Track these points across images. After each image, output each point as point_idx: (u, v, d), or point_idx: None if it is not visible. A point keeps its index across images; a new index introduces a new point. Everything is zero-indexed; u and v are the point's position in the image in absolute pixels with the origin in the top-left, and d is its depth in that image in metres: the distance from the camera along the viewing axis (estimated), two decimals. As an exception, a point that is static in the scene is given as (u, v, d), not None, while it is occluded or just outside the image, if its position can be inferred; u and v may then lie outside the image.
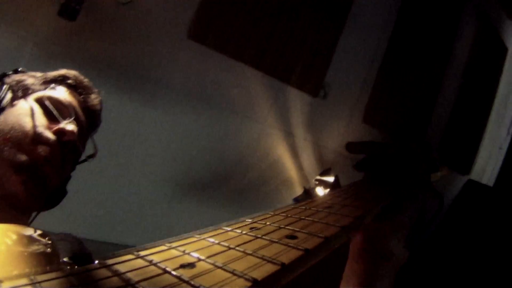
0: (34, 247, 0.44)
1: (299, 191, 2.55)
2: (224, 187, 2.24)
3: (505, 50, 3.63)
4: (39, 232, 0.48)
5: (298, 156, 2.56)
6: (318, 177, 2.36)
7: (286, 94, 2.43)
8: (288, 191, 2.51)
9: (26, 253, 0.42)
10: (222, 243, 0.26)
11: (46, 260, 0.44)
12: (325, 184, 2.23)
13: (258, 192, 2.38)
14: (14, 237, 0.44)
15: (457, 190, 2.80)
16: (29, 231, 0.47)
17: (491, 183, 3.38)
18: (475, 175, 3.06)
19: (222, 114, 2.16)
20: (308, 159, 2.60)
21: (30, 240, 0.45)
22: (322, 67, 2.58)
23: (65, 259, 0.52)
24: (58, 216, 0.74)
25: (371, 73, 2.87)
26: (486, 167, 3.49)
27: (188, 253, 0.24)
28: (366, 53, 2.83)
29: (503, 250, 1.95)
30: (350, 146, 0.56)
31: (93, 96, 0.73)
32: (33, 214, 0.67)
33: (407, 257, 0.47)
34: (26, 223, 0.63)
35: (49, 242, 0.46)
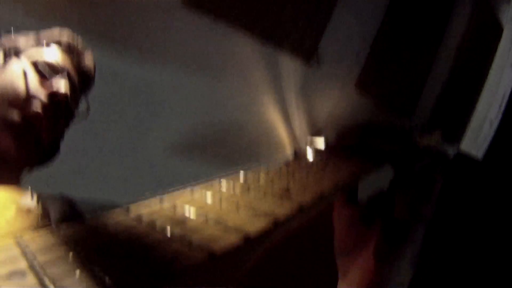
0: (31, 215, 0.44)
1: (290, 154, 2.56)
2: (216, 150, 2.24)
3: (500, 30, 3.60)
4: (34, 197, 0.48)
5: (289, 120, 2.55)
6: (309, 140, 2.37)
7: (280, 60, 2.40)
8: (279, 155, 2.53)
9: (23, 224, 0.43)
10: (214, 196, 0.25)
11: (37, 222, 0.44)
12: (316, 147, 2.24)
13: (250, 154, 2.39)
14: (14, 210, 0.44)
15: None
16: (27, 200, 0.47)
17: (479, 156, 3.42)
18: (464, 148, 3.09)
19: (215, 78, 2.12)
20: (299, 123, 2.60)
21: (28, 211, 0.45)
22: (317, 35, 2.54)
23: (56, 219, 0.53)
24: (52, 176, 0.73)
25: (366, 42, 2.84)
26: (476, 141, 3.53)
27: (179, 208, 0.23)
28: (361, 23, 2.78)
29: (488, 224, 2.00)
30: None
31: (86, 55, 0.73)
32: (26, 171, 0.68)
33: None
34: (18, 180, 0.64)
35: (41, 205, 0.47)
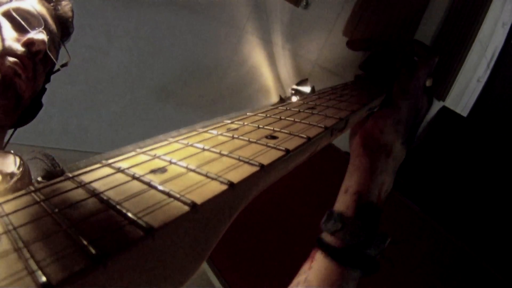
0: (15, 178, 0.44)
1: (275, 99, 2.54)
2: (200, 93, 2.21)
3: None
4: (17, 162, 0.46)
5: (275, 64, 2.51)
6: (295, 87, 2.35)
7: (267, 1, 2.30)
8: (264, 99, 2.51)
9: (8, 188, 0.42)
10: (196, 144, 0.24)
11: (20, 185, 0.44)
12: (301, 94, 2.22)
13: (234, 98, 2.37)
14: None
15: (431, 115, 2.85)
16: (10, 165, 0.46)
17: (464, 114, 3.42)
18: (450, 103, 3.07)
19: (200, 19, 2.04)
20: (285, 68, 2.55)
21: (12, 176, 0.44)
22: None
23: (38, 179, 0.52)
24: (32, 127, 0.71)
25: None
26: (462, 97, 3.52)
27: (159, 157, 0.22)
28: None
29: (471, 179, 2.05)
30: (354, 43, 0.58)
31: (63, 3, 0.69)
32: (10, 131, 0.66)
33: (405, 153, 0.48)
34: (2, 141, 0.62)
35: (22, 166, 0.46)
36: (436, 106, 2.88)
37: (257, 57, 2.40)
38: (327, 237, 0.43)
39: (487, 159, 2.10)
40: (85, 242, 0.14)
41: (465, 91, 3.53)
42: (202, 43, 2.11)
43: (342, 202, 0.45)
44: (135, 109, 1.95)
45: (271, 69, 2.49)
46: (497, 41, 3.61)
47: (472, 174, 2.06)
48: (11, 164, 0.46)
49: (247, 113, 0.32)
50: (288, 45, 2.52)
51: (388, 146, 0.45)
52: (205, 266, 1.37)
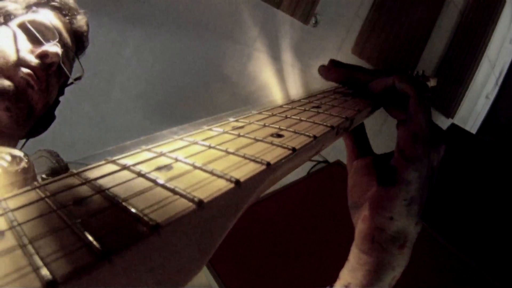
0: (23, 164, 0.44)
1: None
2: (208, 110, 2.21)
3: (502, 4, 3.43)
4: (22, 154, 0.48)
5: (284, 82, 2.50)
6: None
7: (276, 19, 2.31)
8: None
9: (18, 171, 0.43)
10: (202, 142, 0.24)
11: (25, 179, 0.44)
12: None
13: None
14: (9, 158, 0.43)
15: None
16: (18, 152, 0.46)
17: (473, 131, 3.40)
18: (458, 120, 3.06)
19: (210, 36, 2.05)
20: (294, 86, 2.55)
21: (20, 160, 0.45)
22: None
23: (43, 175, 0.52)
24: (44, 139, 0.72)
25: (364, 6, 2.73)
26: (470, 114, 3.50)
27: (165, 154, 0.22)
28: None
29: (480, 195, 2.03)
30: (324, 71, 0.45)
31: (79, 17, 0.70)
32: (22, 141, 0.67)
33: (420, 229, 0.37)
34: None
35: (28, 160, 0.46)
36: (445, 123, 2.86)
37: (266, 74, 2.40)
38: None
39: (496, 176, 2.09)
40: (90, 238, 0.14)
41: (474, 108, 3.51)
42: (212, 60, 2.11)
43: None
44: (141, 124, 1.95)
45: (280, 86, 2.49)
46: (505, 58, 3.60)
47: (481, 190, 2.05)
48: (17, 151, 0.46)
49: (253, 112, 0.32)
50: (297, 63, 2.53)
51: (401, 235, 0.35)
52: (204, 270, 1.37)
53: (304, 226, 1.32)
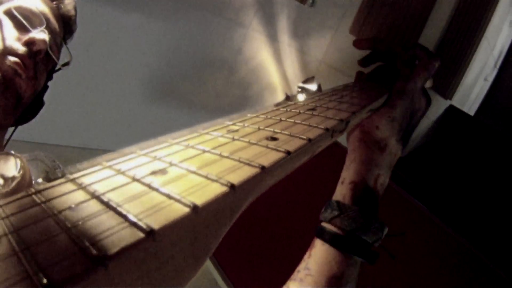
0: (16, 181, 0.44)
1: (281, 97, 2.54)
2: (205, 91, 2.21)
3: None
4: (18, 164, 0.46)
5: (281, 62, 2.50)
6: (301, 84, 2.34)
7: None
8: (270, 97, 2.51)
9: (10, 191, 0.42)
10: (196, 146, 0.24)
11: (21, 186, 0.44)
12: (307, 91, 2.21)
13: (240, 97, 2.36)
14: (1, 181, 0.43)
15: (438, 113, 2.84)
16: (11, 168, 0.46)
17: (471, 113, 3.41)
18: (457, 101, 3.06)
19: (206, 16, 2.03)
20: (291, 66, 2.55)
21: (13, 179, 0.44)
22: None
23: (39, 180, 0.52)
24: (34, 124, 0.71)
25: None
26: (468, 96, 3.50)
27: (160, 159, 0.22)
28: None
29: (477, 177, 2.05)
30: (358, 42, 0.57)
31: (66, 1, 0.68)
32: (11, 129, 0.66)
33: (400, 151, 0.50)
34: (2, 140, 0.62)
35: (23, 169, 0.46)
36: (443, 104, 2.87)
37: (263, 55, 2.40)
38: (325, 225, 0.44)
39: (493, 157, 2.10)
40: (86, 244, 0.14)
41: (472, 90, 3.51)
42: (208, 41, 2.10)
43: (339, 192, 0.47)
44: (139, 106, 1.94)
45: (277, 67, 2.49)
46: (504, 40, 3.59)
47: (478, 172, 2.07)
48: (12, 167, 0.46)
49: (248, 115, 0.32)
50: (294, 43, 2.52)
51: (383, 142, 0.48)
52: (208, 264, 1.37)
53: (303, 209, 1.32)
